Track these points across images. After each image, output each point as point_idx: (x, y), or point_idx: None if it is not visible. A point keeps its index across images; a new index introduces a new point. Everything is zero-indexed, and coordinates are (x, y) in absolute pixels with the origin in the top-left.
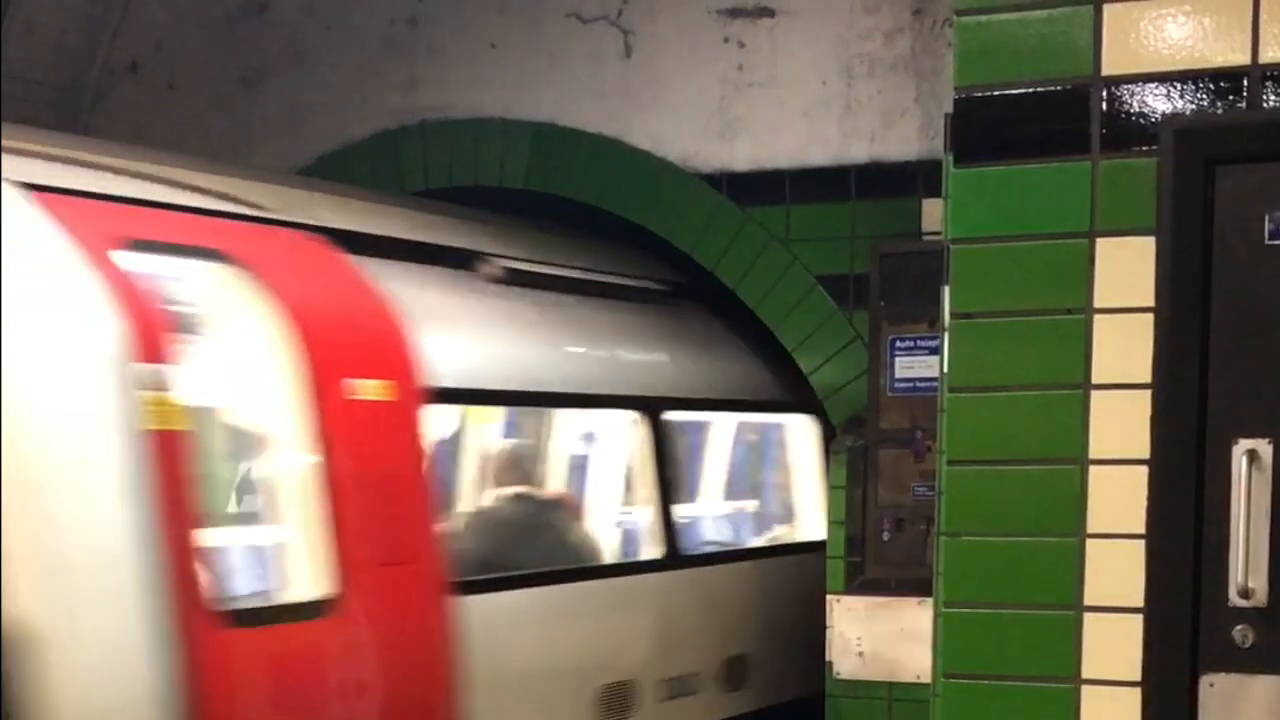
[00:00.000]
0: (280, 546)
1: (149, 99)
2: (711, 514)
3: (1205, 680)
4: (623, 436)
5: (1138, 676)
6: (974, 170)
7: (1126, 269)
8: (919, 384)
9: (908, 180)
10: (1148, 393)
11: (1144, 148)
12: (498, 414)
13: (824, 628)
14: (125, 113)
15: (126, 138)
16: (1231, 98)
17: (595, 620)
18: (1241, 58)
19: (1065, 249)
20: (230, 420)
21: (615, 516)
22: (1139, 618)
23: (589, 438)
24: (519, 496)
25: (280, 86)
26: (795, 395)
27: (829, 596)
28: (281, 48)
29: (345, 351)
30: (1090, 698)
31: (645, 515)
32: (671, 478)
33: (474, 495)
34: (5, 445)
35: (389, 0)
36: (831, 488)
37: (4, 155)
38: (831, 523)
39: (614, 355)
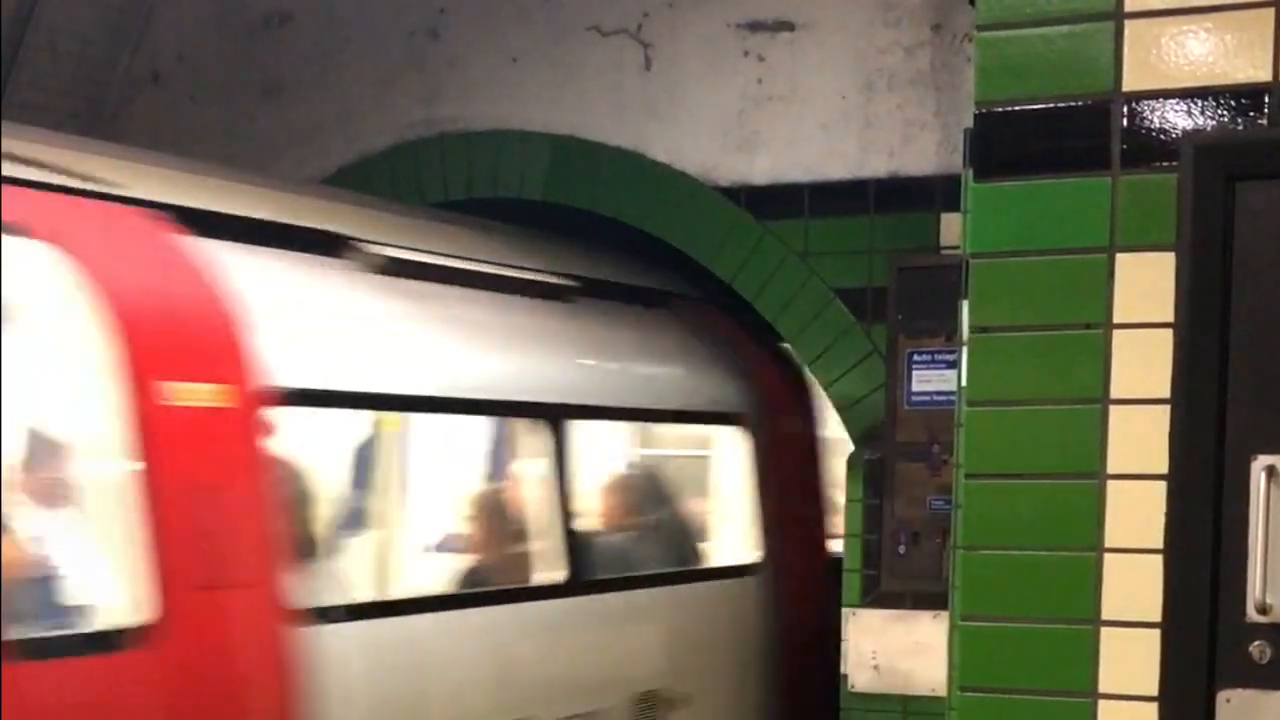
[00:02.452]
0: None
1: (170, 110)
2: None
3: (1222, 696)
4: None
5: (1155, 692)
6: (994, 185)
7: (1146, 285)
8: (936, 398)
9: (926, 195)
10: (1166, 408)
11: (1164, 164)
12: None
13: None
14: (146, 123)
15: (148, 148)
16: (1253, 114)
17: None
18: (1263, 74)
19: (1085, 264)
20: None
21: None
22: (1156, 633)
23: None
24: None
25: (301, 98)
26: None
27: (844, 609)
28: (303, 59)
29: None
30: (1107, 713)
31: None
32: None
33: None
34: None
35: (410, 13)
36: (848, 500)
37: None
38: (848, 535)
39: None
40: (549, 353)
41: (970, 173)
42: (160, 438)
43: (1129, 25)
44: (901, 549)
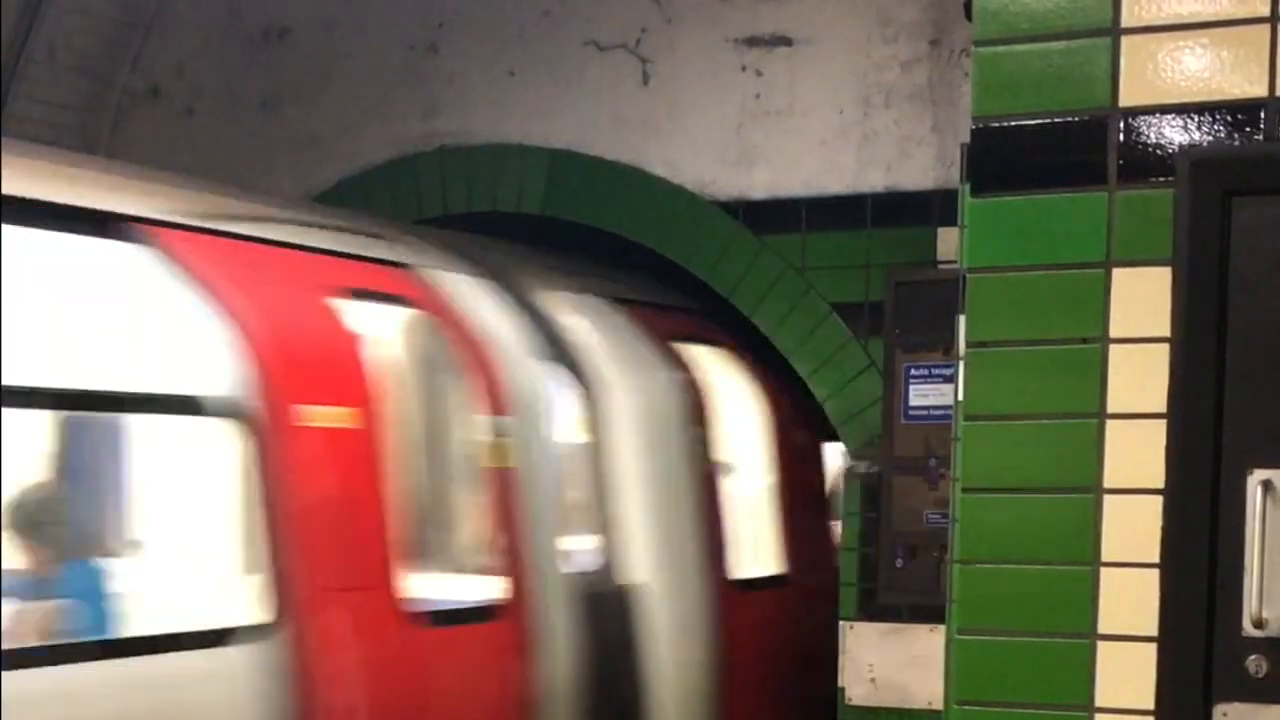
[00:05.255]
0: None
1: (169, 123)
2: None
3: (1219, 710)
4: None
5: (1151, 705)
6: (991, 200)
7: (1142, 299)
8: (933, 412)
9: (923, 209)
10: (1162, 422)
11: (1161, 179)
12: None
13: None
14: (145, 137)
15: (146, 162)
16: (1249, 129)
17: None
18: (1259, 90)
19: (1081, 279)
20: None
21: None
22: (1153, 647)
23: None
24: None
25: (300, 112)
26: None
27: (842, 623)
28: (302, 73)
29: None
30: None
31: None
32: None
33: None
34: None
35: (409, 27)
36: (845, 514)
37: None
38: (845, 549)
39: None
40: None
41: (967, 187)
42: None
43: (1125, 41)
44: (899, 562)
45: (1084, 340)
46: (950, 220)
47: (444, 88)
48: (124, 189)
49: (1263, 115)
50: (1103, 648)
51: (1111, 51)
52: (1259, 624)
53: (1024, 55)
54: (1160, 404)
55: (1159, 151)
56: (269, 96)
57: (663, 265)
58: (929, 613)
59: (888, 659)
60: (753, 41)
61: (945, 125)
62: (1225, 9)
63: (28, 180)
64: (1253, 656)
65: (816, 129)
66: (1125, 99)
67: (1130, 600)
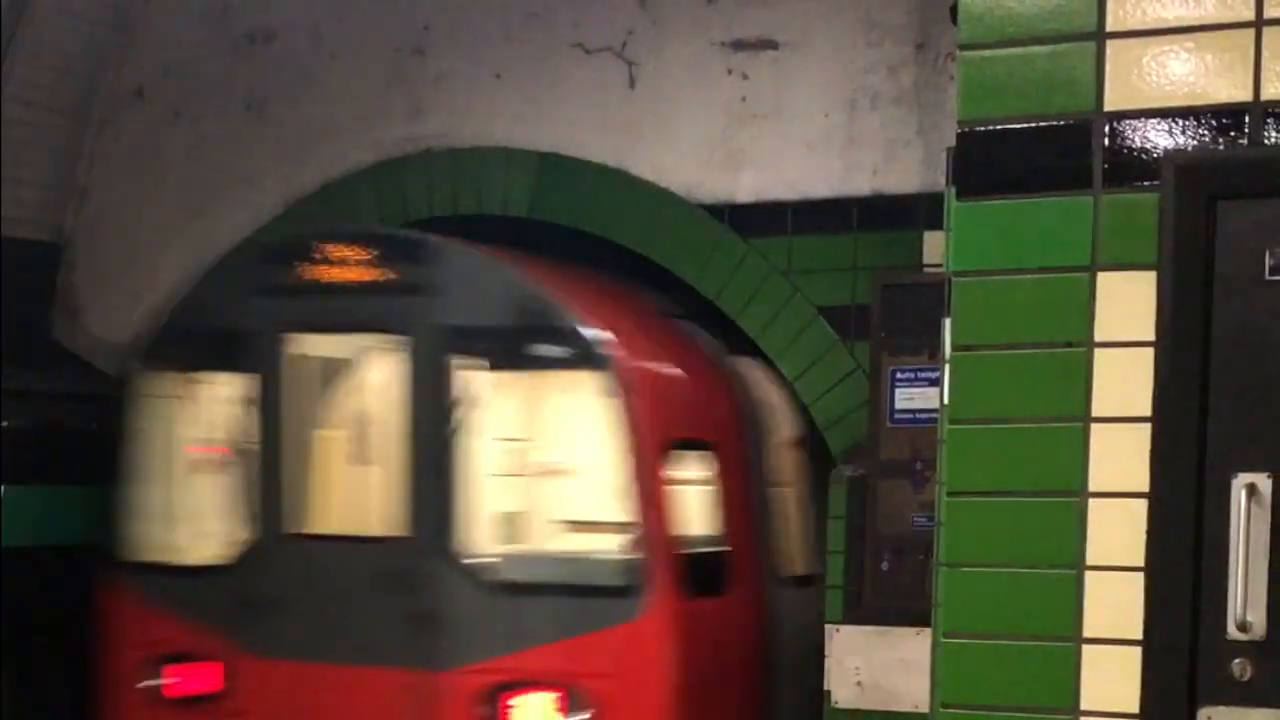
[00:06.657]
0: None
1: (155, 125)
2: None
3: (1203, 713)
4: None
5: (1136, 709)
6: (976, 204)
7: (1127, 303)
8: (919, 415)
9: (909, 213)
10: (1147, 426)
11: (1146, 183)
12: None
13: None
14: (131, 139)
15: (132, 164)
16: (1233, 134)
17: None
18: (1243, 94)
19: (1067, 283)
20: None
21: None
22: (1137, 650)
23: None
24: None
25: (286, 114)
26: None
27: (828, 626)
28: (287, 76)
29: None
30: None
31: None
32: None
33: None
34: None
35: (395, 29)
36: (831, 517)
37: None
38: (831, 552)
39: None
40: None
41: (953, 191)
42: None
43: (1110, 45)
44: (885, 566)
45: (1069, 344)
46: (937, 224)
47: (429, 90)
48: None
49: (1247, 119)
50: (1088, 651)
51: (1096, 56)
52: (1243, 627)
53: (1009, 59)
54: (1145, 408)
55: (1144, 156)
56: (254, 99)
57: (650, 267)
58: (915, 616)
59: (874, 662)
60: (739, 45)
61: (931, 129)
62: (1210, 13)
63: None
64: (1237, 660)
65: (802, 132)
66: (1110, 103)
67: (1115, 603)
